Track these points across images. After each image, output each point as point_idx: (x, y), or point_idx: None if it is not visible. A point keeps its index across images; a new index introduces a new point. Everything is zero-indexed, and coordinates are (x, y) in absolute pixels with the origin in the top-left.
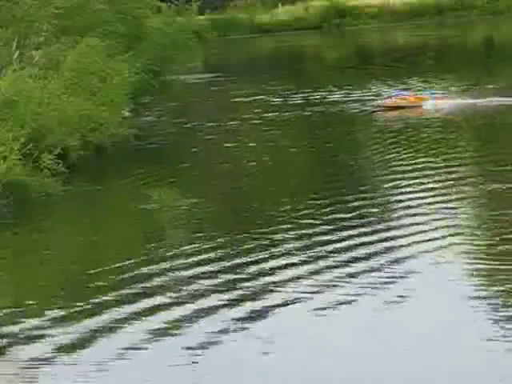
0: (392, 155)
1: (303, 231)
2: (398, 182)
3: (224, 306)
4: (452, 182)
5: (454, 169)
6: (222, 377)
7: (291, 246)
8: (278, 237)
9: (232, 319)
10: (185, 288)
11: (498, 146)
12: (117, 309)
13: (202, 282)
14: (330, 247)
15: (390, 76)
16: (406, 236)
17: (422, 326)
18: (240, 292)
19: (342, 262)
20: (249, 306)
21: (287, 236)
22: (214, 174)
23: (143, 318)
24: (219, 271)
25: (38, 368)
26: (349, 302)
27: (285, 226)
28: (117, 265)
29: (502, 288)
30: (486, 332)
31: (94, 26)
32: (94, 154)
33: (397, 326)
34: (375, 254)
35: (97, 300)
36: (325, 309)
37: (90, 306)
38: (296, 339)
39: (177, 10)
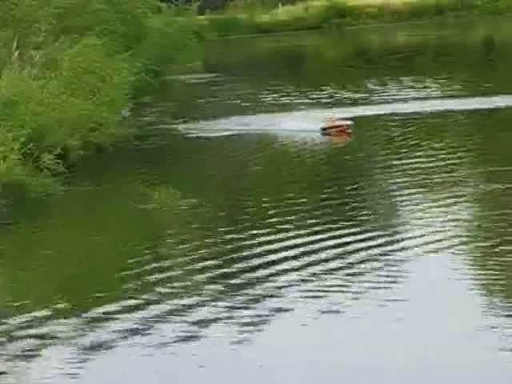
0: (391, 155)
1: (304, 232)
2: (396, 183)
3: (223, 305)
4: (451, 183)
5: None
6: (222, 378)
7: (291, 246)
8: (278, 237)
9: (231, 319)
10: (184, 288)
11: None
12: (117, 309)
13: (202, 281)
14: (330, 247)
15: (390, 76)
16: (404, 237)
17: (420, 328)
18: (240, 292)
19: (340, 264)
20: (248, 306)
21: (288, 237)
22: (214, 173)
23: (143, 318)
24: (219, 271)
25: (36, 368)
26: (346, 305)
27: (285, 227)
28: (117, 265)
29: (502, 288)
30: (485, 331)
31: (93, 26)
32: (94, 154)
33: (396, 328)
34: (373, 254)
35: (97, 300)
36: (323, 311)
37: (89, 306)
38: (295, 341)
39: (177, 10)
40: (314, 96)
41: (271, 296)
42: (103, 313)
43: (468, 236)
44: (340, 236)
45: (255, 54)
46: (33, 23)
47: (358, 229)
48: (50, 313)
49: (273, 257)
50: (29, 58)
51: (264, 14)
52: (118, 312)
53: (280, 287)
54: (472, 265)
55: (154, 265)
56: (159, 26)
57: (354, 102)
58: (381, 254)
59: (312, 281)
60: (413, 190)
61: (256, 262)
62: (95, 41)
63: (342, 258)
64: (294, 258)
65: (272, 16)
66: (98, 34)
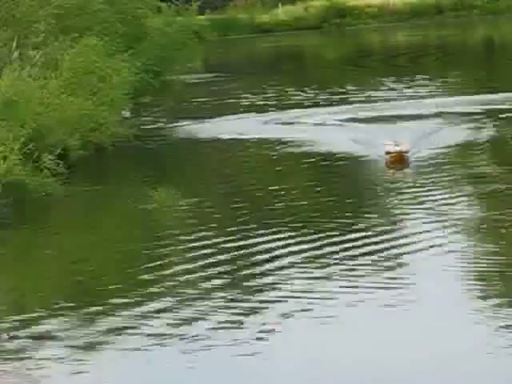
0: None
1: (304, 232)
2: (395, 184)
3: (222, 306)
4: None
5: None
6: (218, 380)
7: (291, 246)
8: (278, 237)
9: (229, 320)
10: (183, 288)
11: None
12: (116, 309)
13: (201, 282)
14: (330, 248)
15: (390, 76)
16: (405, 237)
17: (420, 328)
18: (239, 292)
19: (340, 263)
20: (247, 306)
21: (288, 237)
22: (214, 173)
23: (142, 318)
24: (218, 272)
25: (36, 367)
26: (348, 305)
27: (285, 227)
28: (116, 264)
29: (502, 288)
30: (485, 333)
31: (93, 26)
32: (94, 154)
33: (397, 328)
34: (374, 255)
35: (96, 300)
36: (324, 311)
37: (89, 306)
38: (294, 341)
39: (177, 10)
40: (314, 96)
41: (270, 295)
42: (103, 312)
43: (468, 236)
44: (339, 235)
45: (255, 54)
46: (33, 23)
47: (356, 229)
48: (49, 312)
49: (273, 256)
50: (29, 58)
51: (264, 14)
52: (118, 312)
53: (279, 286)
54: (471, 265)
55: (154, 264)
56: (159, 26)
57: (352, 102)
58: (377, 255)
59: (309, 281)
60: (412, 190)
61: (256, 261)
62: (95, 41)
63: (342, 259)
64: (296, 258)
65: (272, 16)
66: (98, 33)
